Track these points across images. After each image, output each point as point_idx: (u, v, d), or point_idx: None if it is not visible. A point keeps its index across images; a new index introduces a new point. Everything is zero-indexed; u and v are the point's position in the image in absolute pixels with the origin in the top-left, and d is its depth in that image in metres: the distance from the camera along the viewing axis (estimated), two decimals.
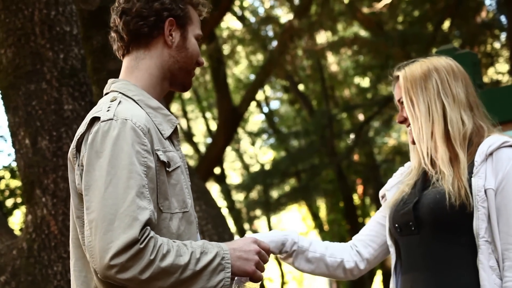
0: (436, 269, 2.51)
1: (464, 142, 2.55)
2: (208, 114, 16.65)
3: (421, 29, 11.18)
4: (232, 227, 14.43)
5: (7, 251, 4.23)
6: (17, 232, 5.53)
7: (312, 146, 13.00)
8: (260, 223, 18.44)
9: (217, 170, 15.22)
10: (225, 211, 14.52)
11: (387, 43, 10.62)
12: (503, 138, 2.51)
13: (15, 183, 7.51)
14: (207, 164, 12.31)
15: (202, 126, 18.06)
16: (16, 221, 8.16)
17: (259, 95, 15.61)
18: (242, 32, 12.69)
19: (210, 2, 2.37)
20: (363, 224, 14.78)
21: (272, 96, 17.58)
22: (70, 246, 2.19)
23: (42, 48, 4.17)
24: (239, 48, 13.37)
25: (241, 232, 14.81)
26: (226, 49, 12.99)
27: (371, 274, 13.96)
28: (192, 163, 14.99)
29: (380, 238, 2.78)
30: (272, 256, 2.77)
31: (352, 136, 14.12)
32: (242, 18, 14.35)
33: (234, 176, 19.80)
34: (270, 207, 14.23)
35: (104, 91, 2.26)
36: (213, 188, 17.07)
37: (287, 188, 15.54)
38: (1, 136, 7.80)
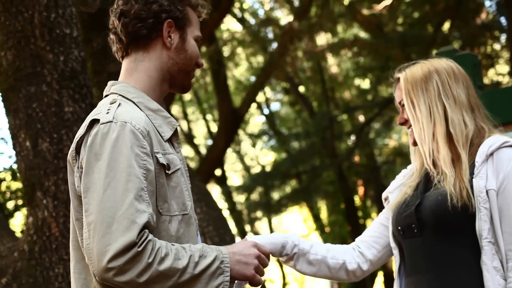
0: (439, 271, 2.51)
1: (466, 143, 2.55)
2: (209, 116, 16.65)
3: (421, 30, 11.19)
4: (233, 229, 14.42)
5: (8, 253, 4.23)
6: (18, 234, 5.52)
7: (312, 147, 13.00)
8: (261, 224, 18.43)
9: (218, 172, 15.22)
10: (226, 213, 14.52)
11: (387, 44, 10.62)
12: (503, 138, 2.51)
13: (16, 185, 7.51)
14: (208, 166, 12.31)
15: (202, 128, 18.06)
16: (17, 223, 8.15)
17: (260, 97, 15.61)
18: (242, 34, 12.70)
19: (210, 3, 2.37)
20: (364, 226, 14.83)
21: (273, 98, 17.57)
22: (70, 248, 2.19)
23: (42, 50, 4.17)
24: (239, 50, 13.37)
25: (242, 234, 14.79)
26: (226, 51, 13.00)
27: (372, 276, 13.95)
28: (192, 165, 14.99)
29: (383, 240, 2.78)
30: (273, 258, 2.77)
31: (352, 137, 14.12)
32: (242, 20, 14.35)
33: (235, 177, 19.80)
34: (271, 208, 14.23)
35: (104, 93, 2.26)
36: (214, 190, 17.07)
37: (288, 189, 15.54)
38: (2, 138, 7.79)
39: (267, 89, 15.97)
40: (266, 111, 16.78)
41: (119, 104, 2.12)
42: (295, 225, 21.08)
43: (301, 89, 15.09)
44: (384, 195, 2.83)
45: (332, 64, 14.31)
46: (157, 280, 1.96)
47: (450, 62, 2.66)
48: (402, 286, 2.69)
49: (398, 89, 2.69)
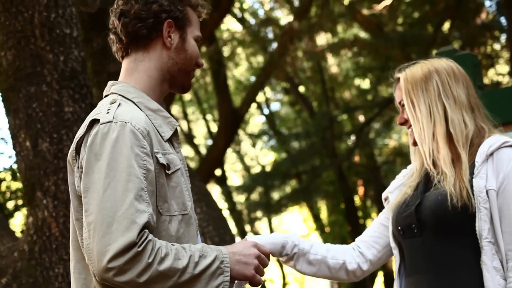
0: (439, 271, 2.51)
1: (466, 143, 2.55)
2: (209, 116, 16.66)
3: (421, 30, 11.19)
4: (233, 229, 14.42)
5: (8, 253, 4.23)
6: (18, 234, 5.52)
7: (312, 147, 13.00)
8: (261, 224, 18.43)
9: (218, 172, 15.23)
10: (226, 213, 14.52)
11: (387, 44, 10.62)
12: (503, 138, 2.51)
13: (16, 185, 7.51)
14: (208, 166, 12.32)
15: (202, 128, 18.06)
16: (17, 223, 8.15)
17: (260, 97, 15.61)
18: (242, 34, 12.70)
19: (210, 3, 2.37)
20: (364, 226, 14.83)
21: (273, 98, 17.57)
22: (70, 248, 2.19)
23: (42, 50, 4.17)
24: (239, 50, 13.37)
25: (242, 234, 14.80)
26: (226, 51, 13.00)
27: (372, 276, 13.94)
28: (192, 165, 14.99)
29: (383, 240, 2.78)
30: (273, 258, 2.77)
31: (352, 137, 14.12)
32: (242, 20, 14.35)
33: (235, 177, 19.80)
34: (271, 208, 14.23)
35: (104, 93, 2.26)
36: (214, 190, 17.07)
37: (288, 189, 15.55)
38: (2, 138, 7.79)
39: (267, 89, 15.97)
40: (266, 111, 16.79)
41: (119, 104, 2.12)
42: (295, 225, 21.08)
43: (301, 89, 15.09)
44: (384, 195, 2.83)
45: (332, 64, 14.31)
46: (157, 280, 1.96)
47: (450, 62, 2.66)
48: (402, 286, 2.69)
49: (398, 89, 2.69)
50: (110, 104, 2.13)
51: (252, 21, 14.64)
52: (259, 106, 16.45)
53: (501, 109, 3.07)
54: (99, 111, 2.11)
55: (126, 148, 2.01)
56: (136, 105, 2.16)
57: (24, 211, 7.19)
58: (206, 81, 14.60)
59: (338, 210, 14.88)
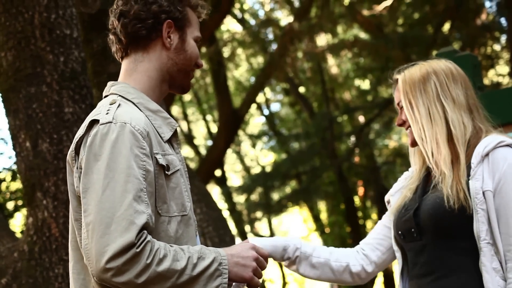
0: (440, 274, 2.51)
1: (464, 144, 2.55)
2: (209, 117, 16.66)
3: (421, 31, 11.18)
4: (233, 230, 14.42)
5: (8, 254, 4.23)
6: (18, 234, 5.53)
7: (312, 148, 13.00)
8: (261, 225, 18.43)
9: (217, 173, 15.23)
10: (226, 213, 14.52)
11: (387, 45, 10.62)
12: (499, 138, 2.50)
13: (16, 185, 7.51)
14: (208, 167, 12.32)
15: (202, 129, 18.07)
16: (17, 223, 8.16)
17: (260, 98, 15.62)
18: (242, 35, 12.69)
19: (210, 4, 2.37)
20: (364, 226, 14.84)
21: (273, 99, 17.58)
22: (69, 249, 2.19)
23: (43, 51, 4.17)
24: (239, 50, 13.37)
25: (242, 234, 14.80)
26: (226, 51, 13.00)
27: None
28: (192, 165, 14.99)
29: (387, 241, 2.78)
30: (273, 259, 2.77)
31: (352, 138, 14.13)
32: (242, 21, 14.36)
33: (235, 178, 19.80)
34: (271, 209, 14.23)
35: (104, 94, 2.26)
36: (214, 191, 17.08)
37: (288, 190, 15.55)
38: (2, 139, 7.80)
39: (267, 89, 15.98)
40: (266, 112, 16.80)
41: (119, 105, 2.12)
42: (295, 226, 21.08)
43: (301, 89, 15.09)
44: (386, 198, 2.83)
45: (332, 65, 14.31)
46: (156, 281, 1.96)
47: (448, 63, 2.66)
48: None
49: (397, 90, 2.69)
50: (110, 104, 2.13)
51: (252, 22, 14.65)
52: (259, 107, 16.46)
53: (501, 110, 3.07)
54: (99, 112, 2.11)
55: (125, 149, 2.01)
56: (136, 105, 2.16)
57: (24, 211, 7.20)
58: (206, 82, 14.60)
59: (338, 210, 14.88)
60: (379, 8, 11.22)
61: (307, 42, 11.81)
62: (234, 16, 14.03)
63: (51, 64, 4.18)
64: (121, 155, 2.00)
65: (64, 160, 4.06)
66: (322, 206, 16.58)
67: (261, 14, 15.05)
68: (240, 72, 16.35)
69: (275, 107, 18.06)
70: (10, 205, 7.55)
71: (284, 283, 16.49)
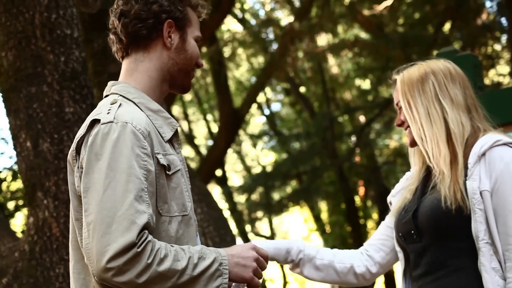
0: (440, 275, 2.51)
1: (462, 143, 2.55)
2: (209, 116, 16.66)
3: (422, 31, 11.18)
4: (234, 229, 14.43)
5: (9, 253, 4.23)
6: (19, 234, 5.53)
7: (313, 148, 13.00)
8: (262, 225, 18.44)
9: (218, 172, 15.23)
10: (226, 213, 14.53)
11: (388, 45, 10.62)
12: (495, 137, 2.50)
13: (17, 185, 7.52)
14: (209, 166, 12.32)
15: (203, 128, 18.07)
16: (18, 223, 8.16)
17: (260, 97, 15.61)
18: (242, 35, 12.69)
19: (210, 4, 2.37)
20: (364, 226, 14.84)
21: (273, 98, 17.58)
22: (69, 248, 2.19)
23: (43, 51, 4.17)
24: (240, 50, 13.37)
25: (243, 234, 14.81)
26: (227, 51, 13.00)
27: None
28: (193, 165, 15.00)
29: (390, 242, 2.79)
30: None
31: (353, 138, 14.12)
32: (242, 21, 14.36)
33: (236, 178, 19.81)
34: (272, 209, 14.24)
35: (104, 93, 2.25)
36: (215, 190, 17.08)
37: (288, 190, 15.56)
38: (3, 139, 7.80)
39: (267, 89, 15.98)
40: (266, 112, 16.80)
41: (120, 105, 2.12)
42: (296, 226, 21.08)
43: (302, 89, 15.09)
44: (388, 199, 2.84)
45: (333, 64, 14.31)
46: (156, 281, 1.96)
47: (447, 63, 2.66)
48: None
49: (396, 91, 2.69)
50: (111, 104, 2.12)
51: (253, 21, 14.65)
52: (260, 107, 16.46)
53: (501, 110, 3.07)
54: (100, 111, 2.11)
55: (126, 149, 2.01)
56: (137, 105, 2.16)
57: (24, 211, 7.20)
58: (206, 82, 14.60)
59: (338, 210, 14.88)
60: (380, 8, 11.22)
61: (308, 42, 11.81)
62: (235, 16, 14.03)
63: (51, 64, 4.18)
64: (122, 155, 2.00)
65: (64, 160, 4.06)
66: (322, 206, 16.58)
67: (262, 14, 15.06)
68: (241, 72, 16.36)
69: (275, 107, 18.08)
70: (10, 205, 7.56)
71: (285, 283, 16.50)
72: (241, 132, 16.32)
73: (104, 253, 1.93)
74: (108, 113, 2.08)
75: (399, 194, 2.75)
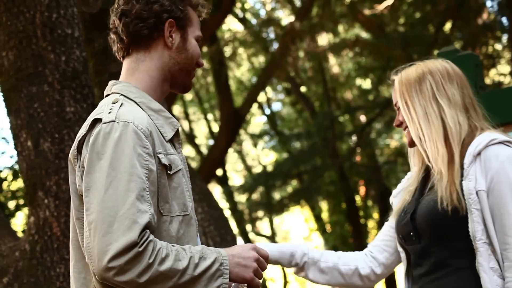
0: (441, 275, 2.52)
1: (459, 143, 2.55)
2: (210, 116, 16.67)
3: (423, 31, 11.17)
4: (235, 229, 14.43)
5: (10, 253, 4.23)
6: (19, 234, 5.53)
7: (314, 147, 13.00)
8: (263, 224, 18.44)
9: (219, 172, 15.24)
10: (227, 213, 14.53)
11: (389, 45, 10.61)
12: (491, 136, 2.49)
13: (17, 184, 7.52)
14: (209, 166, 12.33)
15: (204, 128, 18.08)
16: (19, 222, 8.17)
17: (261, 97, 15.62)
18: (243, 34, 12.69)
19: (211, 3, 2.37)
20: (365, 226, 14.84)
21: (274, 98, 17.59)
22: (70, 248, 2.19)
23: (44, 50, 4.17)
24: (241, 50, 13.37)
25: (244, 234, 14.82)
26: (227, 51, 12.99)
27: None
28: (194, 164, 15.00)
29: (394, 243, 2.79)
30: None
31: (354, 137, 14.12)
32: (243, 20, 14.36)
33: (236, 177, 19.81)
34: (272, 208, 14.23)
35: (105, 93, 2.25)
36: (215, 190, 17.08)
37: (289, 189, 15.55)
38: (3, 138, 7.81)
39: (268, 89, 15.98)
40: (267, 111, 16.80)
41: (122, 104, 2.12)
42: (297, 225, 21.08)
43: (303, 89, 15.09)
44: (390, 200, 2.84)
45: (334, 64, 14.31)
46: (157, 281, 1.96)
47: (445, 62, 2.66)
48: None
49: (394, 91, 2.70)
50: (112, 103, 2.12)
51: (253, 21, 14.65)
52: (261, 106, 16.47)
53: (502, 109, 3.07)
54: (101, 111, 2.11)
55: (128, 148, 2.01)
56: (138, 105, 2.16)
57: (25, 210, 7.20)
58: (207, 81, 14.60)
59: (339, 210, 14.89)
60: (381, 7, 11.22)
61: (309, 42, 11.81)
62: (236, 16, 14.03)
63: (52, 63, 4.18)
64: (124, 154, 2.00)
65: (65, 159, 4.06)
66: (323, 205, 16.59)
67: (263, 13, 15.06)
68: (242, 71, 16.36)
69: (276, 106, 18.08)
70: (11, 204, 7.57)
71: (285, 282, 16.51)
72: (241, 131, 16.33)
73: (105, 252, 1.93)
74: (110, 112, 2.08)
75: (400, 195, 2.75)
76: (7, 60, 4.22)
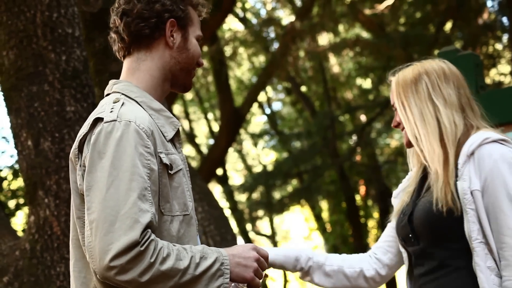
0: (440, 275, 2.52)
1: (454, 143, 2.55)
2: (210, 116, 16.67)
3: (423, 30, 11.17)
4: (235, 228, 14.43)
5: (10, 252, 4.23)
6: (19, 233, 5.53)
7: (314, 147, 13.00)
8: (263, 224, 18.44)
9: (219, 171, 15.24)
10: (227, 212, 14.53)
11: (389, 44, 10.61)
12: (484, 135, 2.49)
13: (18, 184, 7.53)
14: (210, 165, 12.33)
15: (204, 128, 18.08)
16: (19, 222, 8.17)
17: (261, 97, 15.62)
18: (244, 34, 12.69)
19: (211, 3, 2.38)
20: (365, 225, 14.84)
21: (274, 98, 17.59)
22: (70, 247, 2.19)
23: (44, 50, 4.18)
24: (241, 49, 13.37)
25: (244, 233, 14.82)
26: (228, 50, 12.99)
27: None
28: (194, 164, 15.00)
29: (397, 243, 2.79)
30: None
31: (354, 137, 14.13)
32: (244, 20, 14.36)
33: (237, 177, 19.81)
34: (273, 208, 14.24)
35: (106, 92, 2.25)
36: (216, 189, 17.08)
37: (289, 189, 15.56)
38: (4, 137, 7.81)
39: (268, 88, 15.97)
40: (267, 111, 16.80)
41: (123, 103, 2.12)
42: (297, 225, 21.07)
43: (303, 89, 15.09)
44: (392, 201, 2.84)
45: (334, 64, 14.31)
46: (159, 280, 1.96)
47: (442, 62, 2.66)
48: None
49: (391, 92, 2.70)
50: (114, 103, 2.12)
51: (254, 21, 14.65)
52: (261, 106, 16.47)
53: (502, 109, 3.08)
54: (103, 110, 2.11)
55: (130, 147, 2.01)
56: (139, 104, 2.16)
57: (25, 210, 7.20)
58: (208, 81, 14.60)
59: (339, 209, 14.89)
60: (381, 7, 11.22)
61: (309, 41, 11.81)
62: (236, 15, 14.03)
63: (53, 63, 4.18)
64: (125, 154, 2.00)
65: (65, 158, 4.06)
66: (323, 205, 16.59)
67: (263, 13, 15.05)
68: (242, 71, 16.36)
69: (276, 106, 18.08)
70: (11, 203, 7.57)
71: (285, 281, 16.51)
72: (242, 131, 16.33)
73: (107, 251, 1.93)
74: (111, 111, 2.08)
75: (399, 196, 2.76)
76: (7, 60, 4.22)
